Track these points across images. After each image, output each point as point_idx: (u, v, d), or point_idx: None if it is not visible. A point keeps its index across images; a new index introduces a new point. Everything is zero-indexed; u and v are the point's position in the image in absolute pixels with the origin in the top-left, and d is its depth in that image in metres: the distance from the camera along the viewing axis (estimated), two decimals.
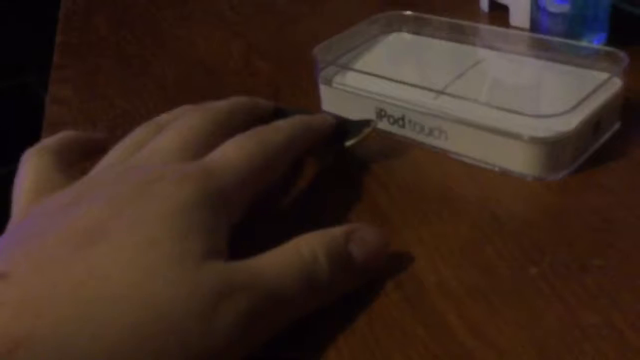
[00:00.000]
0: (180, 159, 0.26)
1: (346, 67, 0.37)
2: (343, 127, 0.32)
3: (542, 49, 0.36)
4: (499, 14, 0.47)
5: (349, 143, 0.32)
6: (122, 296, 0.19)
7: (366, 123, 0.33)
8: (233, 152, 0.26)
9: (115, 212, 0.22)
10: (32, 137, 0.41)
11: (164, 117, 0.30)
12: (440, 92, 0.33)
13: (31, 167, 0.27)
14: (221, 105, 0.30)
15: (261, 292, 0.21)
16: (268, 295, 0.21)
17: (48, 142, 0.29)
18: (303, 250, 0.23)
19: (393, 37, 0.41)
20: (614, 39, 0.39)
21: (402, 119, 0.34)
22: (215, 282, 0.20)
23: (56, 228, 0.22)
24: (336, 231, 0.24)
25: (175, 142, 0.26)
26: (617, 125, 0.33)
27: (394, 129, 0.34)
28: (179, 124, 0.27)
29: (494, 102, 0.30)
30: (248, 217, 0.26)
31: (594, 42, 0.39)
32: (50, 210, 0.23)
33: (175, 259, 0.20)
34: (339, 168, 0.33)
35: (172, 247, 0.21)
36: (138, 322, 0.19)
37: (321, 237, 0.24)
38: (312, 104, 0.38)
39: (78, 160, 0.30)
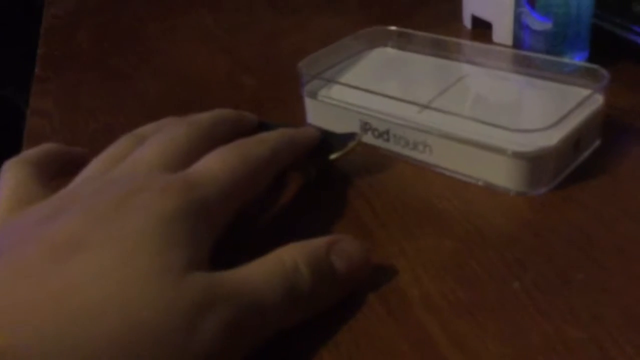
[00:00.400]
0: (161, 171, 0.25)
1: (331, 80, 0.38)
2: (328, 141, 0.32)
3: (525, 65, 0.36)
4: (482, 31, 0.48)
5: (333, 156, 0.32)
6: (101, 310, 0.19)
7: (351, 136, 0.32)
8: (215, 164, 0.25)
9: (95, 224, 0.21)
10: (13, 149, 0.41)
11: (145, 128, 0.30)
12: (425, 107, 0.33)
13: (10, 177, 0.27)
14: (204, 117, 0.30)
15: (243, 302, 0.21)
16: (250, 305, 0.21)
17: (28, 153, 0.29)
18: (285, 261, 0.23)
19: (377, 52, 0.42)
20: (595, 58, 0.40)
21: (387, 132, 0.34)
22: (196, 294, 0.20)
23: (34, 241, 0.21)
24: (318, 242, 0.24)
25: (156, 155, 0.26)
26: (597, 142, 0.33)
27: (379, 143, 0.34)
28: (161, 136, 0.27)
29: (478, 117, 0.30)
30: (231, 230, 0.26)
31: (576, 59, 0.40)
32: (29, 221, 0.23)
33: (155, 272, 0.20)
34: (323, 181, 0.33)
35: (152, 260, 0.20)
36: (117, 336, 0.19)
37: (303, 247, 0.23)
38: (297, 118, 0.38)
39: (58, 174, 0.29)
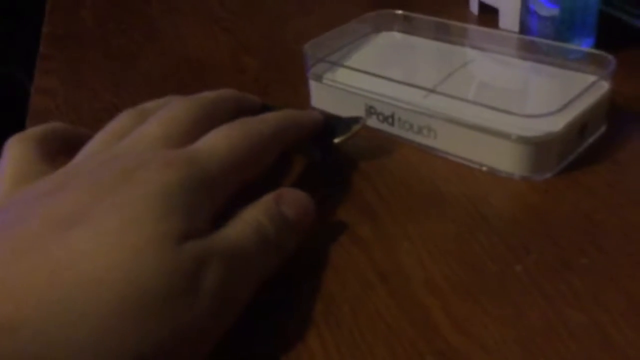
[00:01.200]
0: (164, 147, 0.25)
1: (337, 64, 0.37)
2: (332, 124, 0.32)
3: (531, 51, 0.36)
4: (489, 17, 0.47)
5: (337, 140, 0.32)
6: (104, 277, 0.19)
7: (355, 120, 0.32)
8: (218, 140, 0.26)
9: (97, 197, 0.21)
10: (17, 127, 0.41)
11: (148, 104, 0.30)
12: (430, 91, 0.33)
13: (14, 154, 0.27)
14: (207, 95, 0.30)
15: (231, 256, 0.22)
16: (236, 259, 0.23)
17: (32, 131, 0.29)
18: (248, 219, 0.24)
19: (383, 36, 0.41)
20: (602, 45, 0.39)
21: (392, 116, 0.34)
22: (196, 255, 0.21)
23: (37, 214, 0.21)
24: (267, 197, 0.26)
25: (159, 131, 0.26)
26: (603, 128, 0.33)
27: (384, 127, 0.34)
28: (164, 113, 0.27)
29: (483, 101, 0.30)
30: (234, 211, 0.26)
31: (583, 46, 0.40)
32: (31, 197, 0.23)
33: (156, 239, 0.20)
34: (327, 164, 0.33)
35: (153, 228, 0.21)
36: (122, 302, 0.19)
37: (259, 206, 0.25)
38: (301, 101, 0.38)
39: (61, 152, 0.29)
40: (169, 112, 0.27)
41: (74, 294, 0.19)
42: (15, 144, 0.28)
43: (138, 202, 0.21)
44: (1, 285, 0.19)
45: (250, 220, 0.24)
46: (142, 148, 0.25)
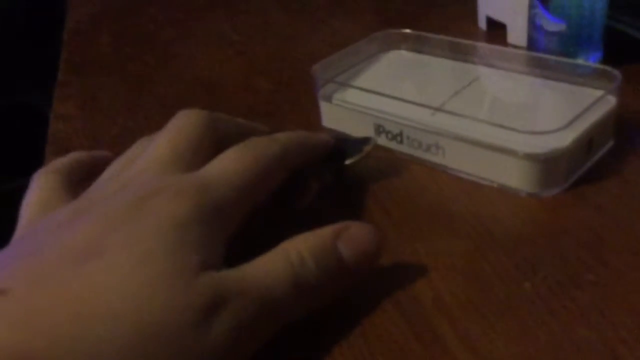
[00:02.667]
0: (173, 169, 0.25)
1: (345, 84, 0.38)
2: (343, 146, 0.33)
3: (538, 67, 0.37)
4: (497, 33, 0.48)
5: (349, 162, 0.32)
6: (119, 312, 0.19)
7: (366, 141, 0.33)
8: (228, 165, 0.26)
9: (111, 229, 0.22)
10: (37, 154, 0.42)
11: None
12: (438, 109, 0.34)
13: (39, 186, 0.28)
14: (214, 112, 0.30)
15: (252, 298, 0.22)
16: (259, 300, 0.22)
17: (57, 163, 0.30)
18: (290, 254, 0.23)
19: (391, 55, 0.42)
20: (609, 59, 0.40)
21: (400, 135, 0.34)
22: (208, 294, 0.21)
23: (54, 245, 0.22)
24: (324, 231, 0.24)
25: (168, 153, 0.26)
26: (611, 143, 0.33)
27: (392, 145, 0.35)
28: (169, 131, 0.27)
29: (490, 118, 0.31)
30: (246, 232, 0.26)
31: (590, 60, 0.40)
32: (49, 226, 0.24)
33: (171, 273, 0.21)
34: (337, 184, 0.33)
35: (167, 262, 0.21)
36: (135, 337, 0.19)
37: (308, 238, 0.24)
38: (312, 121, 0.39)
39: (85, 179, 0.30)
40: (175, 130, 0.27)
41: (88, 327, 0.19)
42: (42, 176, 0.28)
43: (150, 235, 0.22)
44: (19, 315, 0.19)
45: (292, 254, 0.23)
46: (151, 172, 0.25)
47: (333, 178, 0.33)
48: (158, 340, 0.19)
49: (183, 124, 0.28)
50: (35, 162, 0.37)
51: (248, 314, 0.21)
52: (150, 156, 0.26)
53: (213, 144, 0.27)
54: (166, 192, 0.23)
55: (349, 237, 0.24)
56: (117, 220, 0.22)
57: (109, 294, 0.20)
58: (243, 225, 0.26)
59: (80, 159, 0.30)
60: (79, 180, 0.29)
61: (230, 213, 0.24)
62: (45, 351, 0.18)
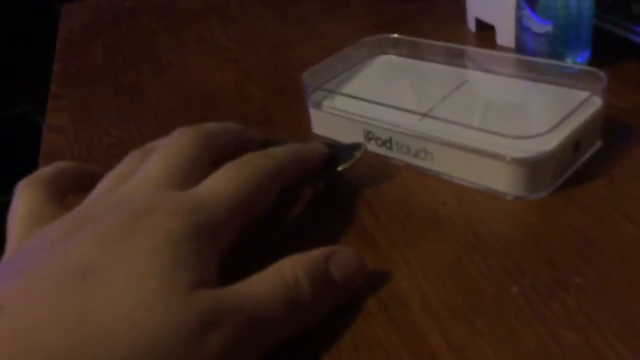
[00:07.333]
0: (167, 187, 0.26)
1: (333, 91, 0.38)
2: (334, 153, 0.33)
3: (525, 69, 0.37)
4: (486, 34, 0.48)
5: (340, 168, 0.32)
6: (112, 331, 0.20)
7: (356, 146, 0.33)
8: (221, 183, 0.26)
9: (104, 247, 0.22)
10: (31, 166, 0.42)
11: (154, 144, 0.30)
12: (425, 115, 0.34)
13: (24, 198, 0.28)
14: (209, 126, 0.30)
15: (246, 316, 0.22)
16: (253, 319, 0.22)
17: (41, 172, 0.30)
18: (285, 274, 0.23)
19: (380, 60, 0.42)
20: (598, 58, 0.40)
21: (389, 141, 0.34)
22: (202, 312, 0.21)
23: (47, 263, 0.22)
24: (317, 253, 0.25)
25: (162, 171, 0.26)
26: (599, 144, 0.33)
27: (382, 151, 0.35)
28: (165, 150, 0.28)
29: (477, 123, 0.31)
30: (241, 243, 0.26)
31: (578, 60, 0.40)
32: (41, 244, 0.24)
33: (164, 292, 0.21)
34: (328, 190, 0.34)
35: (160, 281, 0.21)
36: (130, 354, 0.19)
37: (302, 259, 0.24)
38: (303, 128, 0.39)
39: (71, 191, 0.30)
40: (170, 148, 0.28)
41: (83, 346, 0.19)
42: (26, 187, 0.28)
43: (144, 253, 0.22)
44: (12, 334, 0.19)
45: (287, 273, 0.23)
46: (145, 190, 0.26)
47: (325, 185, 0.34)
48: (152, 358, 0.20)
49: (179, 142, 0.28)
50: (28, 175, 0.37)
51: (242, 332, 0.21)
52: (144, 173, 0.27)
53: (208, 161, 0.27)
54: (159, 210, 0.23)
55: (339, 259, 0.25)
56: (109, 239, 0.22)
57: (102, 314, 0.20)
58: (238, 241, 0.26)
59: (65, 169, 0.30)
60: (64, 191, 0.29)
61: (222, 232, 0.25)
62: None
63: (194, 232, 0.23)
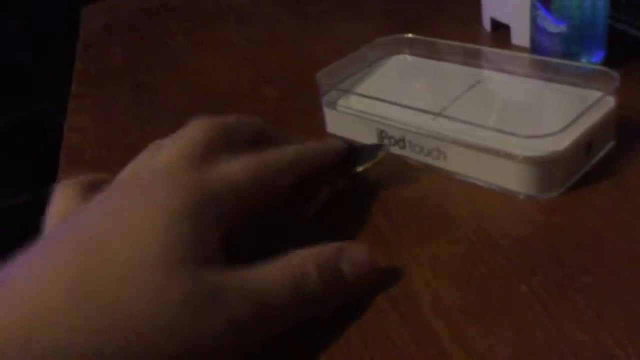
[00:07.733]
0: (179, 168, 0.26)
1: (347, 91, 0.39)
2: (354, 152, 0.33)
3: (539, 69, 0.37)
4: (501, 33, 0.48)
5: (360, 168, 0.33)
6: (116, 297, 0.20)
7: (378, 148, 0.33)
8: (232, 166, 0.26)
9: (111, 222, 0.23)
10: (51, 165, 0.43)
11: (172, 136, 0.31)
12: (438, 114, 0.34)
13: (61, 197, 0.29)
14: (228, 117, 0.30)
15: (250, 299, 0.22)
16: (259, 302, 0.22)
17: (81, 177, 0.31)
18: (295, 263, 0.24)
19: (395, 60, 0.42)
20: (613, 58, 0.40)
21: (403, 140, 0.35)
22: (207, 289, 0.22)
23: (57, 240, 0.23)
24: (328, 247, 0.25)
25: (175, 152, 0.27)
26: (611, 144, 0.33)
27: (395, 150, 0.35)
28: (181, 134, 0.28)
29: (490, 122, 0.31)
30: (251, 235, 0.27)
31: (593, 59, 0.40)
32: (65, 225, 0.25)
33: (168, 268, 0.21)
34: (344, 190, 0.34)
35: (165, 257, 0.22)
36: (131, 321, 0.20)
37: (313, 252, 0.25)
38: (318, 127, 0.40)
39: None
40: (187, 133, 0.28)
41: (83, 309, 0.20)
42: (64, 187, 0.29)
43: (149, 229, 0.22)
44: (16, 303, 0.20)
45: (297, 264, 0.24)
46: (159, 169, 0.26)
47: (347, 183, 0.33)
48: (156, 323, 0.20)
49: (195, 132, 0.28)
50: (49, 174, 0.38)
51: (244, 314, 0.22)
52: (159, 156, 0.27)
53: (223, 149, 0.27)
54: (166, 185, 0.24)
55: (350, 255, 0.25)
56: (116, 214, 0.23)
57: (106, 284, 0.21)
58: (247, 228, 0.26)
59: (104, 179, 0.31)
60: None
61: (226, 210, 0.25)
62: (45, 334, 0.19)
63: (196, 206, 0.24)
